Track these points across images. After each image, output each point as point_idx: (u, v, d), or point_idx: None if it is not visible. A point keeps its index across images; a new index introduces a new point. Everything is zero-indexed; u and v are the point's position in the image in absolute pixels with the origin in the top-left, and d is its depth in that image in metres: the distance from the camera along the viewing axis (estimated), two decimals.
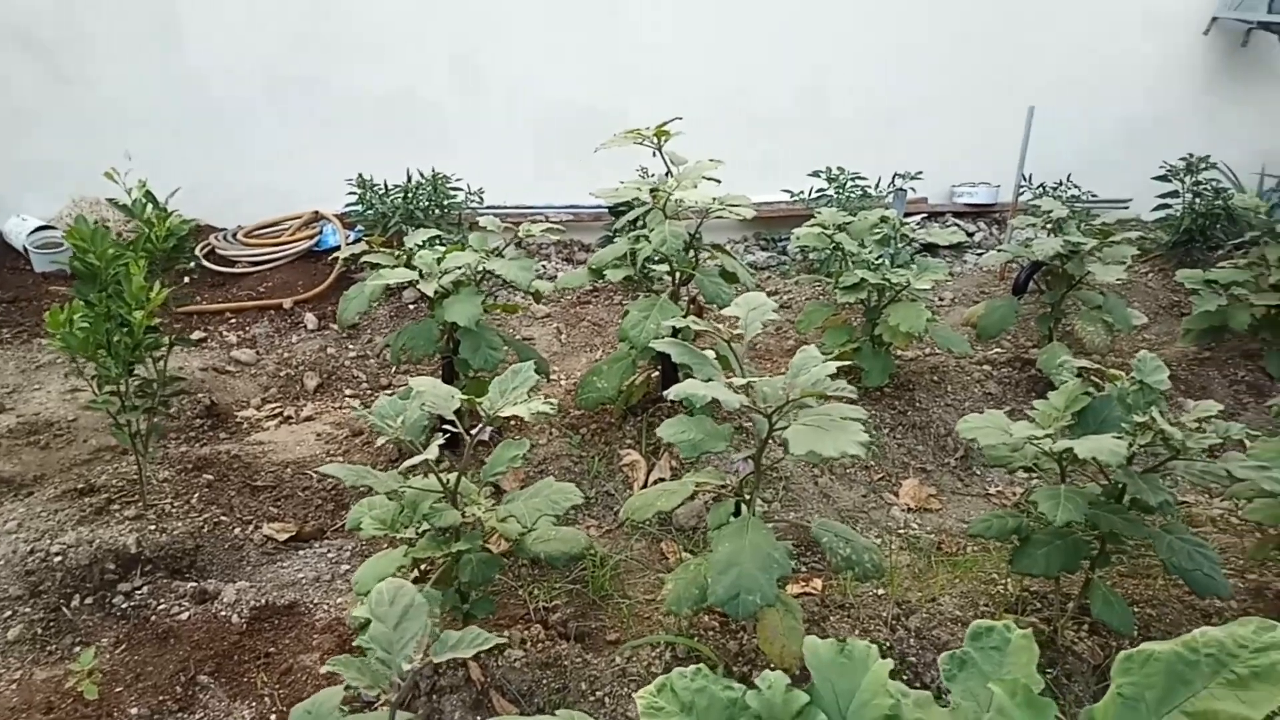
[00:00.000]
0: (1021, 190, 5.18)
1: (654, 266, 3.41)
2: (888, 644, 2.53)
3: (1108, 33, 5.81)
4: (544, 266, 5.26)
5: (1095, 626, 2.57)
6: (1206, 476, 2.34)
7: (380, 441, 3.49)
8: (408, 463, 1.98)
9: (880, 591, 2.80)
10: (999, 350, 4.36)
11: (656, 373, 3.59)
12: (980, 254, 5.53)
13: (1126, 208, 6.06)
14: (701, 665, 1.32)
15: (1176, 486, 3.30)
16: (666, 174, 3.28)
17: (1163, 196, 5.27)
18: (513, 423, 3.34)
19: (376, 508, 2.26)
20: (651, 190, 3.08)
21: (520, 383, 2.24)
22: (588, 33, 5.17)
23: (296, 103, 5.02)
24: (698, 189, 2.97)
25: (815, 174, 5.14)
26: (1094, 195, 5.48)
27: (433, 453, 1.92)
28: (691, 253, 3.41)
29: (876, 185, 5.23)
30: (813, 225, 3.81)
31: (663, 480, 3.26)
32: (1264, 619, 1.20)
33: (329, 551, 2.93)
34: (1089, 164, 5.79)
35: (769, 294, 5.17)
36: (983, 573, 2.92)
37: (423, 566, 2.38)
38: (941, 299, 5.09)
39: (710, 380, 2.27)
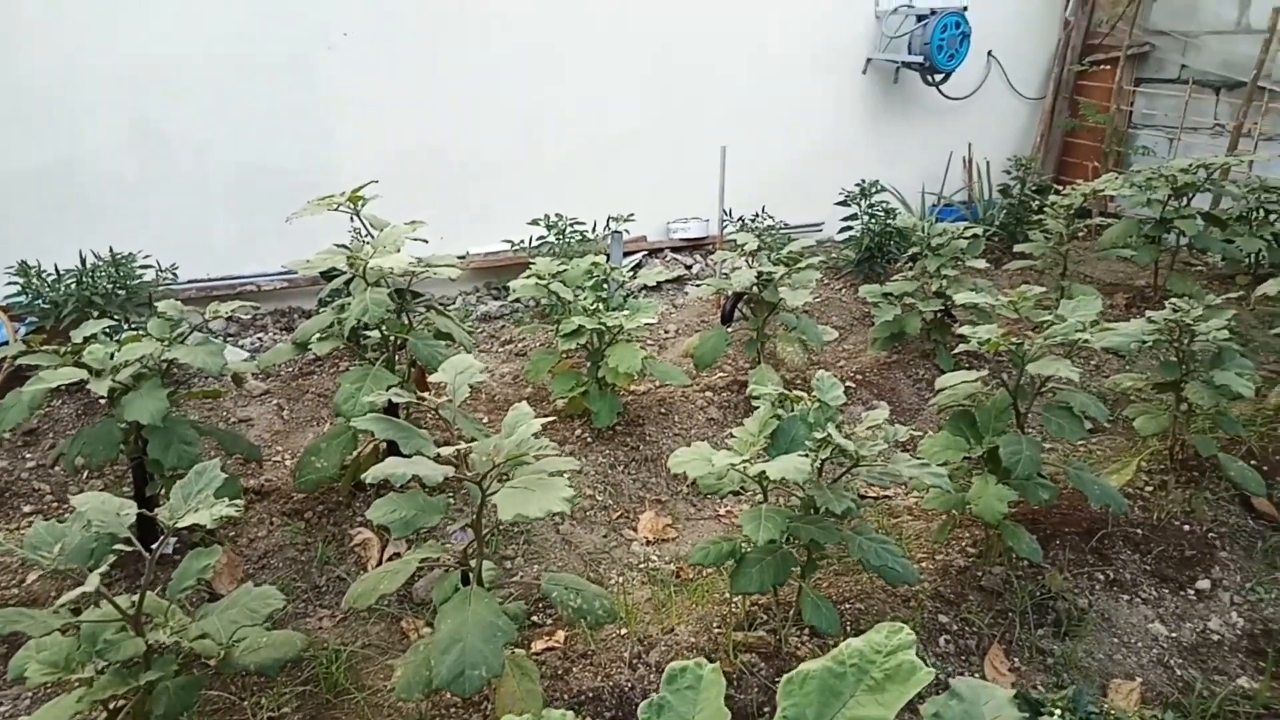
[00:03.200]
0: (725, 224, 5.57)
1: (367, 333, 3.30)
2: (629, 684, 2.59)
3: (787, 74, 6.42)
4: (260, 339, 4.93)
5: (816, 630, 2.78)
6: (885, 477, 2.60)
7: None
8: (65, 597, 1.75)
9: (623, 631, 2.86)
10: (720, 375, 4.64)
11: (385, 444, 3.46)
12: (699, 285, 5.87)
13: (820, 230, 6.70)
14: None
15: (873, 486, 3.65)
16: (367, 238, 3.19)
17: (844, 220, 5.89)
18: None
19: (46, 648, 1.98)
20: (349, 259, 2.98)
21: (206, 483, 2.07)
22: (284, 91, 4.94)
23: None
24: (398, 253, 2.91)
25: (534, 222, 5.22)
26: (786, 224, 6.00)
27: (91, 584, 1.71)
28: (404, 316, 3.34)
29: (594, 229, 5.41)
30: (529, 276, 3.86)
31: (399, 555, 3.14)
32: (894, 623, 1.35)
33: (1, 705, 2.53)
34: (784, 192, 6.36)
35: (503, 343, 5.21)
36: (717, 594, 3.06)
37: (112, 705, 2.12)
38: (667, 331, 5.34)
39: (417, 454, 2.22)
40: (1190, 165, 4.98)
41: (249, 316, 5.10)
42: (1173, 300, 3.23)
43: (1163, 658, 2.79)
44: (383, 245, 2.98)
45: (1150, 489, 3.48)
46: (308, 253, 3.30)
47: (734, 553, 2.60)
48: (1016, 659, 2.76)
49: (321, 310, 3.30)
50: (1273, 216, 5.54)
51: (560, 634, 2.83)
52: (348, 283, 3.25)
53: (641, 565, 3.30)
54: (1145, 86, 7.24)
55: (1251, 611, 2.96)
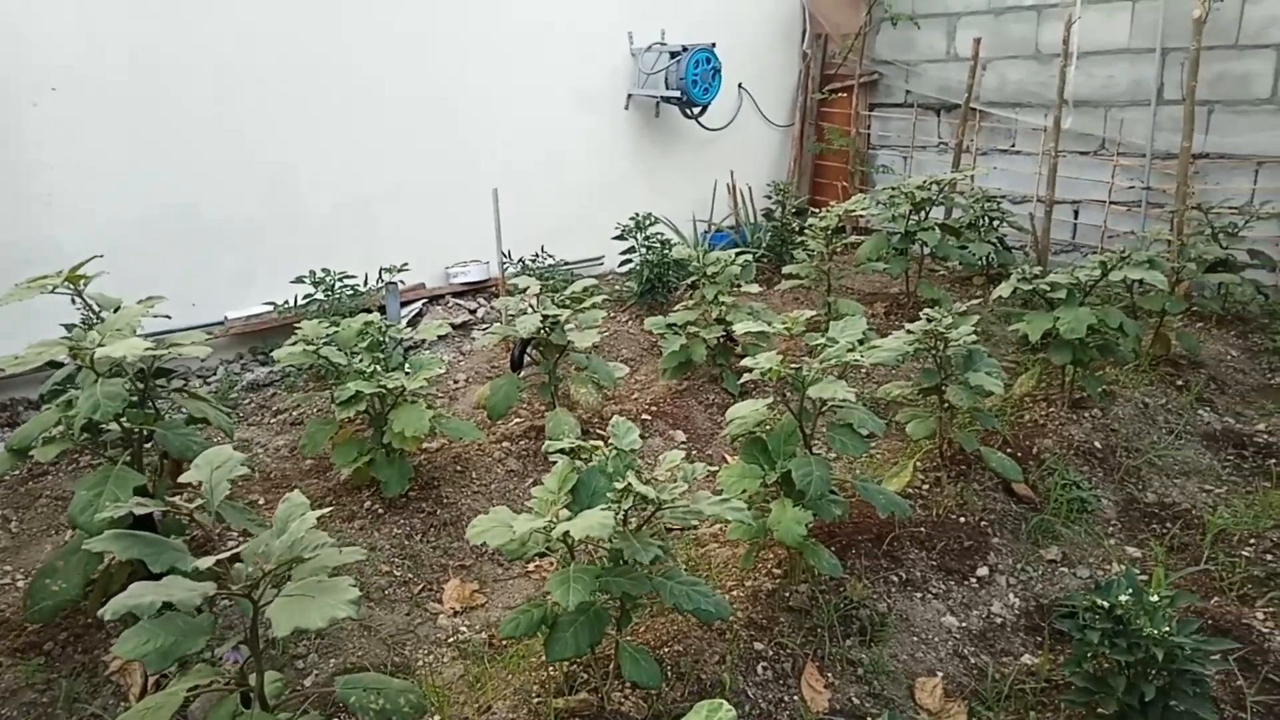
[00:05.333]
0: (505, 265, 5.47)
1: (106, 426, 2.89)
2: None
3: (552, 113, 6.43)
4: None
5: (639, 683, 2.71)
6: (689, 516, 2.59)
7: None
8: None
9: (435, 719, 2.66)
10: (516, 423, 4.51)
11: None
12: (485, 332, 5.71)
13: (601, 263, 6.75)
14: None
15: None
16: (95, 323, 2.80)
17: (624, 253, 5.96)
18: None
19: None
20: (71, 349, 2.59)
21: None
22: None
23: None
24: (132, 338, 2.56)
25: (299, 280, 4.86)
26: (566, 261, 5.99)
27: None
28: (149, 402, 2.96)
29: (366, 281, 5.12)
30: (295, 342, 3.56)
31: (167, 676, 2.76)
32: (712, 700, 1.29)
33: None
34: (562, 230, 6.35)
35: (276, 413, 4.80)
36: (534, 657, 2.92)
37: None
38: (456, 381, 5.14)
39: (169, 572, 1.93)
40: (924, 182, 5.47)
41: None
42: (926, 311, 3.48)
43: (958, 648, 2.96)
44: (113, 329, 2.61)
45: (927, 487, 3.72)
46: (26, 336, 2.86)
47: (546, 618, 2.48)
48: (830, 674, 2.83)
49: (46, 407, 2.85)
50: (995, 223, 6.21)
51: None
52: (69, 377, 2.84)
53: (451, 640, 3.11)
54: (878, 111, 7.92)
55: (1025, 590, 3.22)
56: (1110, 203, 6.42)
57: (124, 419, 2.77)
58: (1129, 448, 4.05)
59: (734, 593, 3.17)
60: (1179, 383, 4.68)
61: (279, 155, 5.24)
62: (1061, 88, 6.12)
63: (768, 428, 3.07)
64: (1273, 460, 3.99)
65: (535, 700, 2.67)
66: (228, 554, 1.94)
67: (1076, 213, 6.70)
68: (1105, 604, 2.30)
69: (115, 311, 2.79)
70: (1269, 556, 3.30)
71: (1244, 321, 5.50)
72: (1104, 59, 6.35)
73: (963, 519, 3.53)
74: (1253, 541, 3.41)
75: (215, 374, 5.15)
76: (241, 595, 1.90)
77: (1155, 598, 2.29)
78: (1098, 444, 4.05)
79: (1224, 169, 5.92)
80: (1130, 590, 2.32)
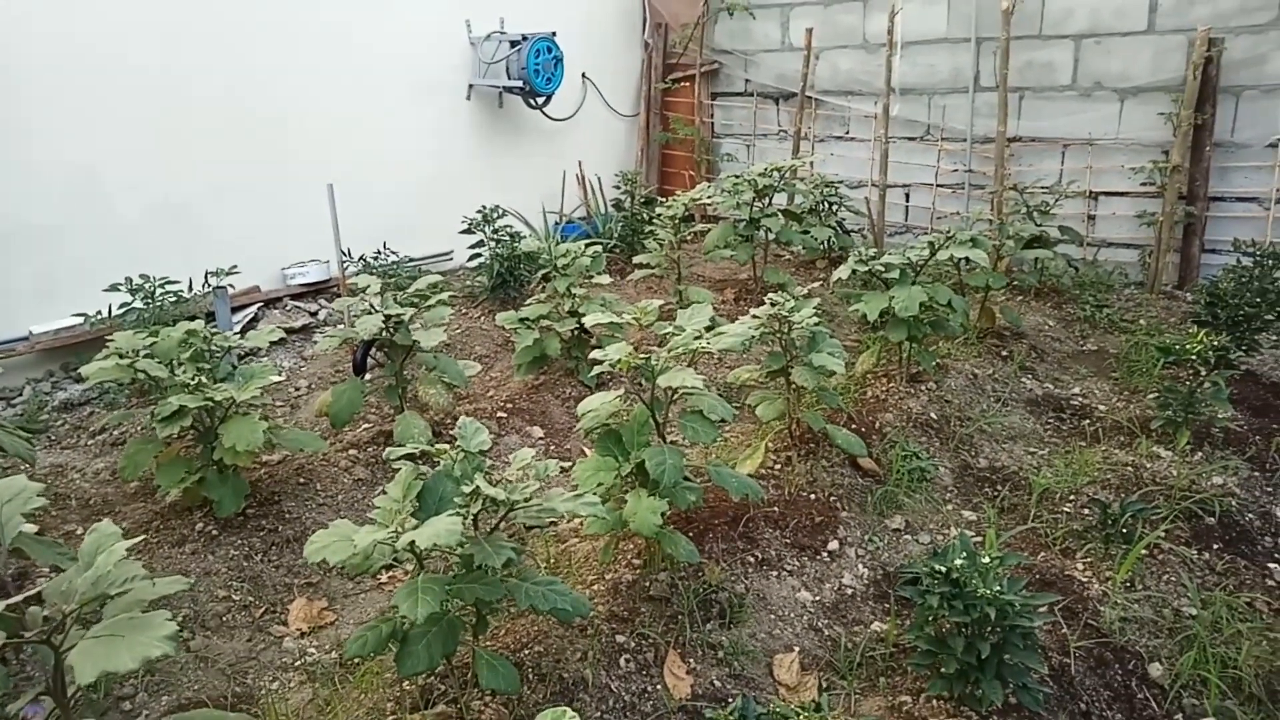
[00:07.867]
0: (345, 264, 5.22)
1: None
2: None
3: (389, 105, 6.18)
4: None
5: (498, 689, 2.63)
6: (544, 515, 2.53)
7: None
8: None
9: None
10: (364, 429, 4.32)
11: None
12: (327, 335, 5.44)
13: (451, 258, 6.57)
14: None
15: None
16: None
17: (472, 247, 5.82)
18: None
19: None
20: None
21: None
22: None
23: None
24: None
25: (114, 288, 4.47)
26: (411, 258, 5.79)
27: None
28: None
29: (191, 288, 4.77)
30: (107, 356, 3.26)
31: None
32: (556, 709, 1.25)
33: None
34: (405, 225, 6.13)
35: (94, 434, 4.41)
36: (389, 673, 2.80)
37: None
38: (297, 388, 4.88)
39: None
40: (766, 169, 5.60)
41: None
42: (770, 296, 3.55)
43: (813, 622, 3.05)
44: None
45: (779, 467, 3.81)
46: None
47: (395, 633, 2.37)
48: (691, 659, 2.85)
49: None
50: (834, 207, 6.45)
51: None
52: None
53: (298, 663, 2.94)
54: (720, 100, 8.07)
55: (873, 560, 3.36)
56: (937, 185, 6.80)
57: None
58: (962, 417, 4.29)
59: (595, 587, 3.14)
60: (1004, 353, 5.00)
61: (79, 154, 4.79)
62: (888, 76, 6.41)
63: (622, 419, 3.06)
64: (1086, 421, 4.33)
65: (390, 718, 2.56)
66: (20, 598, 1.74)
67: (908, 195, 7.06)
68: (943, 569, 2.42)
69: None
70: (1086, 511, 3.57)
71: (1058, 293, 5.95)
72: (925, 48, 6.70)
73: (813, 496, 3.64)
74: (1072, 498, 3.68)
75: (21, 394, 4.68)
76: (39, 642, 1.71)
77: (987, 559, 2.42)
78: (934, 415, 4.27)
79: (1035, 151, 6.37)
80: (965, 554, 2.44)
